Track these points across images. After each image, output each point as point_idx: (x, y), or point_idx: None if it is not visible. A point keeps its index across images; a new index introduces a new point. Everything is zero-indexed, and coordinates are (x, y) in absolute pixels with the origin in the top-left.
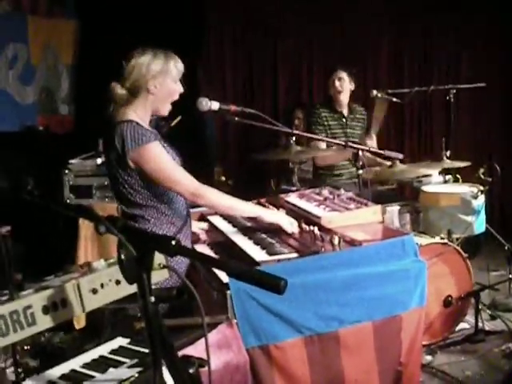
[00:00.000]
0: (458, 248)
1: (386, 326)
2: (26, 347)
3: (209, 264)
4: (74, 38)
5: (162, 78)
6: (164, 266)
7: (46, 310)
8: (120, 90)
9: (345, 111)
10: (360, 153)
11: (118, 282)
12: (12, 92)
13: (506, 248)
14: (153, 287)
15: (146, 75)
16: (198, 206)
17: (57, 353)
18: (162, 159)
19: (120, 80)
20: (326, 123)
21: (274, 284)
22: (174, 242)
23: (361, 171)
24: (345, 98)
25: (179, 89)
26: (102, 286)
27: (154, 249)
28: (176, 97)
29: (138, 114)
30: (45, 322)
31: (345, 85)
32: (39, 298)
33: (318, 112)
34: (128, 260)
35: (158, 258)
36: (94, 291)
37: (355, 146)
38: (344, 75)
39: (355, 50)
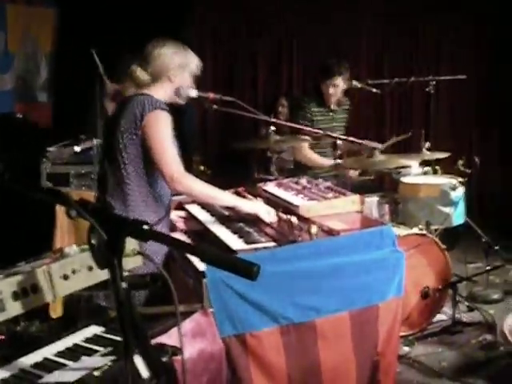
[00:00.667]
0: (437, 239)
1: (364, 315)
2: (0, 337)
3: (183, 249)
4: (54, 25)
5: (182, 70)
6: (138, 253)
7: (15, 296)
8: (141, 73)
9: (333, 105)
10: (339, 142)
11: (90, 268)
12: None
13: (484, 240)
14: (127, 274)
15: (169, 64)
16: (177, 195)
17: (33, 341)
18: (165, 131)
19: (141, 64)
20: (314, 119)
21: (246, 269)
22: (146, 227)
23: (339, 161)
24: (336, 98)
25: (192, 85)
26: (73, 271)
27: (126, 233)
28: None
29: (157, 96)
30: (15, 309)
31: (338, 90)
32: (8, 284)
33: (307, 106)
34: (99, 244)
35: (132, 244)
36: (66, 277)
37: (333, 134)
38: (340, 81)
39: (336, 39)
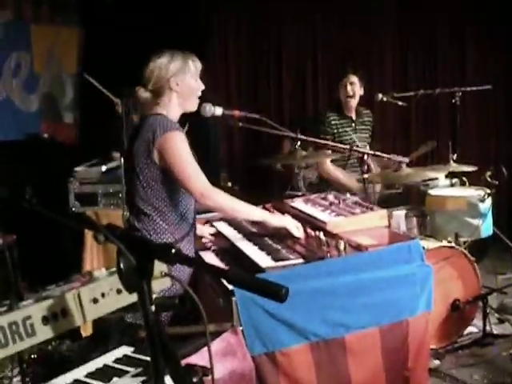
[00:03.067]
0: (466, 251)
1: (393, 331)
2: (33, 356)
3: (209, 272)
4: (78, 45)
5: (181, 76)
6: (166, 275)
7: (45, 320)
8: (144, 94)
9: (353, 115)
10: (365, 157)
11: (119, 291)
12: (16, 100)
13: None
14: (155, 295)
15: (166, 74)
16: (205, 212)
17: (64, 361)
18: (183, 150)
19: (143, 84)
20: (335, 131)
21: (275, 292)
22: (173, 251)
23: (366, 175)
24: (354, 102)
25: (200, 85)
26: (102, 295)
27: (154, 257)
28: (199, 93)
29: (167, 110)
30: (44, 333)
31: (356, 89)
32: (39, 309)
33: (327, 120)
34: (127, 269)
35: (160, 266)
36: (95, 300)
37: (359, 149)
38: (356, 80)
39: (361, 52)
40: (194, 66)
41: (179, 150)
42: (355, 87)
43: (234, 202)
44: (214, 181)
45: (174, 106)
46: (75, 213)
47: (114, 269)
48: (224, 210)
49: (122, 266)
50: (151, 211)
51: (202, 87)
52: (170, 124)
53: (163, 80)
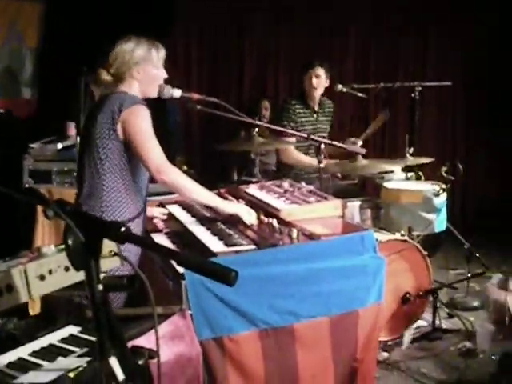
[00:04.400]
0: (418, 245)
1: (343, 321)
2: None
3: (159, 253)
4: (40, 20)
5: (144, 65)
6: (115, 254)
7: None
8: (106, 76)
9: (316, 106)
10: (322, 146)
11: (67, 269)
12: None
13: (466, 247)
14: (104, 275)
15: (128, 62)
16: (158, 194)
17: (10, 339)
18: (146, 124)
19: (104, 66)
20: (297, 120)
21: (224, 275)
22: (123, 229)
23: (322, 165)
24: (318, 93)
25: (162, 74)
26: (50, 272)
27: (103, 235)
28: (160, 81)
29: (129, 92)
30: None
31: (321, 82)
32: None
33: (292, 108)
34: (75, 246)
35: (110, 245)
36: (42, 277)
37: (317, 138)
38: (322, 72)
39: (322, 42)
40: (157, 55)
41: (142, 123)
42: (321, 80)
43: (189, 183)
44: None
45: (134, 91)
46: (26, 188)
47: (63, 246)
48: (178, 188)
49: (69, 242)
50: (104, 187)
51: (165, 76)
52: (138, 99)
53: (125, 67)
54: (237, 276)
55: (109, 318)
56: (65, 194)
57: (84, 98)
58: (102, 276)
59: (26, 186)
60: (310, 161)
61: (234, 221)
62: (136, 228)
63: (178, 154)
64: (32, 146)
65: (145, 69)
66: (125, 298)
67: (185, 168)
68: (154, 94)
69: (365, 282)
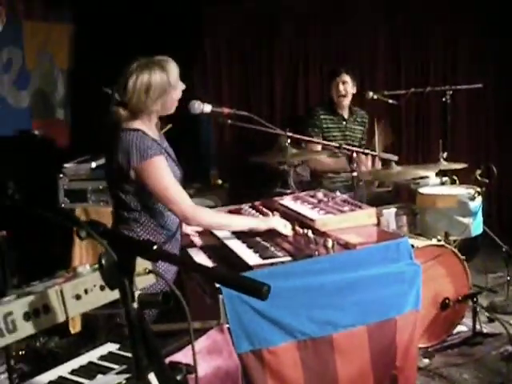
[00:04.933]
0: (455, 250)
1: (381, 329)
2: (20, 352)
3: (191, 269)
4: (70, 41)
5: (164, 96)
6: (149, 271)
7: (27, 316)
8: (123, 112)
9: (345, 114)
10: (354, 155)
11: (102, 288)
12: (7, 96)
13: (504, 250)
14: (139, 292)
15: (146, 100)
16: None
17: (51, 357)
18: (163, 176)
19: (120, 101)
20: (323, 126)
21: (257, 289)
22: (155, 247)
23: (355, 173)
24: (347, 101)
25: (180, 90)
26: (85, 291)
27: (136, 254)
28: (180, 96)
29: (145, 123)
30: (26, 329)
31: (348, 88)
32: (20, 305)
33: (317, 114)
34: (109, 265)
35: (144, 263)
36: (78, 297)
37: (349, 147)
38: (348, 79)
39: (352, 51)
40: (173, 76)
41: (156, 177)
42: (347, 86)
43: (218, 218)
44: (205, 178)
45: (152, 118)
46: (58, 208)
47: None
48: (213, 228)
49: (103, 262)
50: (131, 217)
51: (183, 87)
52: (147, 148)
53: (144, 105)
54: (269, 290)
55: (145, 335)
56: (101, 212)
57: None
58: (137, 293)
59: (62, 205)
60: (341, 166)
61: (270, 233)
62: (171, 248)
63: (211, 167)
64: (66, 165)
65: (166, 99)
66: (161, 313)
67: (219, 181)
68: (172, 111)
69: (401, 289)
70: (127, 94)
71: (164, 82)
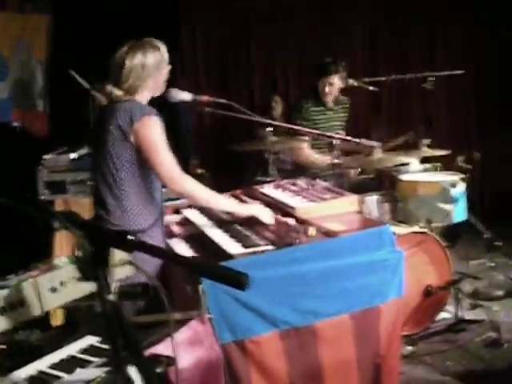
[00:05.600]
0: (437, 237)
1: (364, 317)
2: (1, 346)
3: (169, 260)
4: (47, 32)
5: (157, 73)
6: (126, 262)
7: (2, 310)
8: (118, 92)
9: (331, 104)
10: (334, 142)
11: (79, 280)
12: None
13: (486, 236)
14: (118, 284)
15: (143, 76)
16: (173, 199)
17: (33, 351)
18: (159, 135)
19: (114, 82)
20: (311, 118)
21: (236, 280)
22: (129, 238)
23: (336, 160)
24: (333, 96)
25: (167, 68)
26: (61, 284)
27: (110, 245)
28: (166, 77)
29: (140, 99)
30: (2, 323)
31: (335, 88)
32: None
33: (304, 106)
34: (84, 257)
35: (122, 253)
36: (54, 290)
37: (330, 135)
38: (336, 80)
39: (331, 38)
40: (165, 53)
41: (154, 134)
42: (334, 87)
43: (204, 191)
44: (185, 167)
45: (146, 96)
46: (31, 200)
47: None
48: (192, 197)
49: (78, 253)
50: (123, 196)
51: (169, 68)
52: (148, 109)
53: (140, 80)
54: (249, 280)
55: (123, 327)
56: (81, 203)
57: (93, 107)
58: (116, 285)
59: (42, 197)
60: (323, 160)
61: (251, 222)
62: (155, 235)
63: (192, 156)
64: (45, 157)
65: (159, 76)
66: (143, 305)
67: (200, 171)
68: (161, 91)
69: (384, 277)
70: (123, 74)
71: (157, 58)
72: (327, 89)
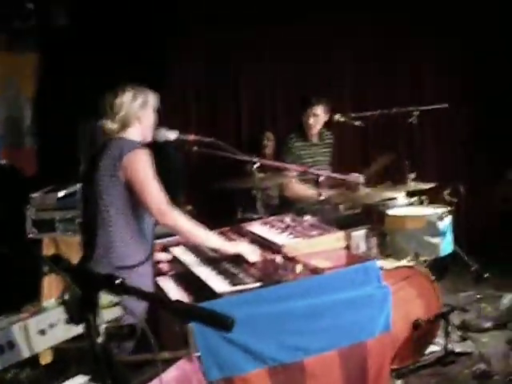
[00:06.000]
0: (425, 270)
1: (352, 353)
2: None
3: (154, 303)
4: (35, 70)
5: (146, 109)
6: (116, 304)
7: None
8: (111, 125)
9: (315, 139)
10: (321, 178)
11: (67, 322)
12: None
13: (473, 269)
14: (105, 325)
15: (133, 107)
16: (160, 237)
17: None
18: (146, 166)
19: (108, 116)
20: (297, 153)
21: (221, 322)
22: (117, 281)
23: (322, 197)
24: (317, 129)
25: (154, 115)
26: (50, 326)
27: (99, 288)
28: (153, 122)
29: (133, 137)
30: None
31: (319, 120)
32: None
33: (290, 142)
34: (73, 300)
35: (109, 295)
36: (43, 332)
37: (315, 171)
38: (320, 111)
39: (318, 74)
40: (153, 99)
41: (142, 167)
42: (319, 118)
43: (192, 226)
44: (173, 204)
45: (135, 136)
46: (31, 240)
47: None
48: (181, 232)
49: (66, 297)
50: (111, 233)
51: (156, 117)
52: (136, 144)
53: (132, 112)
54: (233, 322)
55: (112, 368)
56: (69, 241)
57: (84, 144)
58: (103, 326)
59: (30, 235)
60: (312, 194)
61: (238, 259)
62: (145, 273)
63: (180, 194)
64: (33, 195)
65: (145, 113)
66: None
67: (189, 207)
68: (150, 138)
69: (371, 312)
70: (115, 106)
71: (146, 99)
72: (311, 120)
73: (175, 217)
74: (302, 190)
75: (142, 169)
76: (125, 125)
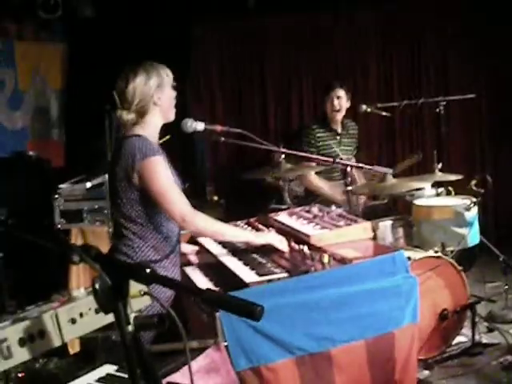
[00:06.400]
0: (452, 261)
1: (379, 343)
2: (19, 374)
3: (184, 292)
4: (62, 61)
5: (162, 88)
6: (144, 293)
7: (22, 342)
8: (127, 115)
9: (339, 129)
10: (349, 169)
11: (97, 311)
12: (0, 117)
13: (501, 259)
14: (134, 315)
15: (148, 92)
16: None
17: (51, 379)
18: (163, 174)
19: (122, 106)
20: (319, 143)
21: (250, 311)
22: (147, 271)
23: (350, 187)
24: (340, 115)
25: (174, 92)
26: (81, 315)
27: (129, 277)
28: (175, 101)
29: (147, 130)
30: (22, 355)
31: (342, 103)
32: (15, 331)
33: (313, 132)
34: (103, 289)
35: (138, 285)
36: (73, 321)
37: (343, 162)
38: (342, 93)
39: (344, 63)
40: (168, 75)
41: (158, 176)
42: (342, 101)
43: (217, 226)
44: (201, 194)
45: (155, 123)
46: (59, 230)
47: None
48: (206, 234)
49: (97, 286)
50: (133, 230)
51: (175, 94)
52: (149, 148)
53: (147, 97)
54: (262, 311)
55: (141, 357)
56: (97, 232)
57: (110, 135)
58: (133, 316)
59: (59, 226)
60: (329, 189)
61: (266, 250)
62: (169, 265)
63: (207, 184)
64: (61, 186)
65: (164, 91)
66: (159, 334)
67: (215, 198)
68: (173, 117)
69: (398, 302)
70: (128, 95)
71: (161, 78)
72: (335, 102)
73: (199, 221)
74: (319, 183)
75: (156, 179)
76: (142, 113)
